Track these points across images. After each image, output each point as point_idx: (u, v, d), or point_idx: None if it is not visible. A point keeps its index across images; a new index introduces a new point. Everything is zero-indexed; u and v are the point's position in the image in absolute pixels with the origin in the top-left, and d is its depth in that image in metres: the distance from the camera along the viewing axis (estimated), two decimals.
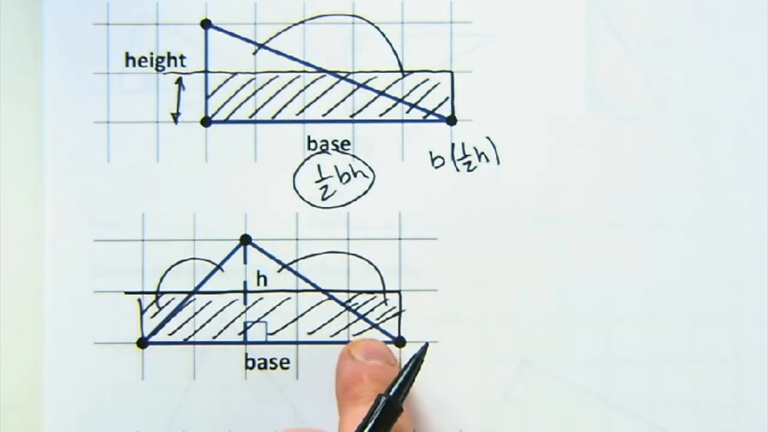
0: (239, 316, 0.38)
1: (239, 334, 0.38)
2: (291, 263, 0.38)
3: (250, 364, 0.38)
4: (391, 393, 0.33)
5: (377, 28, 0.38)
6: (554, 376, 0.38)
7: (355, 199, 0.38)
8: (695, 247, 0.38)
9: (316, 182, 0.38)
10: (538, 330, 0.38)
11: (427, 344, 0.35)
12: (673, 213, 0.38)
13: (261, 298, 0.38)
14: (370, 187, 0.38)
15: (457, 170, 0.38)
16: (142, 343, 0.38)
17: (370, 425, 0.33)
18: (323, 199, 0.38)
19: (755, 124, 0.38)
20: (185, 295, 0.38)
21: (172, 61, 0.38)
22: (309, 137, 0.38)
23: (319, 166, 0.38)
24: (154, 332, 0.38)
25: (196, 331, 0.38)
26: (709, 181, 0.38)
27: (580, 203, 0.38)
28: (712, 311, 0.38)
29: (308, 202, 0.38)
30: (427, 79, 0.38)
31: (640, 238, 0.38)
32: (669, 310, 0.38)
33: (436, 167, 0.38)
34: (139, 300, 0.38)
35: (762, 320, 0.38)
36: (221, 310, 0.38)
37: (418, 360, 0.34)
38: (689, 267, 0.38)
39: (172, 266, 0.38)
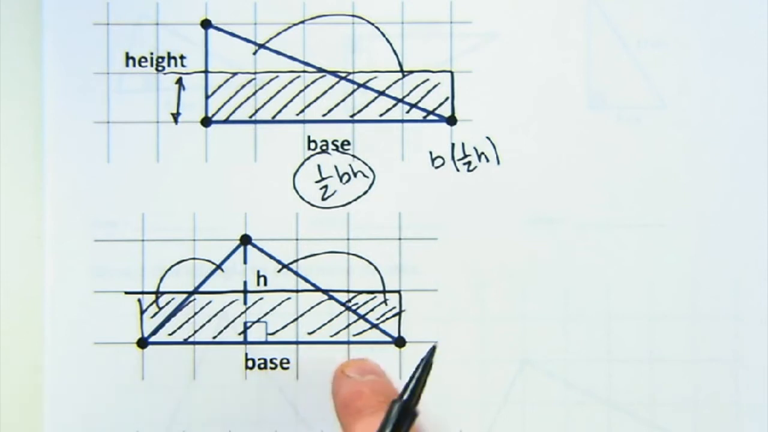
0: (239, 316, 0.38)
1: (239, 334, 0.38)
2: (291, 263, 0.38)
3: (250, 364, 0.38)
4: (405, 397, 0.33)
5: (377, 28, 0.38)
6: (554, 376, 0.38)
7: (355, 199, 0.38)
8: (695, 247, 0.38)
9: (316, 182, 0.38)
10: (538, 330, 0.38)
11: (434, 347, 0.34)
12: (673, 213, 0.38)
13: (261, 298, 0.38)
14: (370, 187, 0.38)
15: (457, 170, 0.38)
16: (142, 343, 0.38)
17: (390, 429, 0.32)
18: (323, 199, 0.38)
19: (755, 124, 0.38)
20: (185, 295, 0.38)
21: (172, 61, 0.38)
22: (309, 137, 0.38)
23: (319, 166, 0.38)
24: (154, 332, 0.38)
25: (196, 331, 0.38)
26: (709, 180, 0.38)
27: (580, 203, 0.38)
28: (712, 311, 0.38)
29: (308, 202, 0.38)
30: (427, 79, 0.38)
31: (640, 238, 0.38)
32: (669, 310, 0.38)
33: (436, 167, 0.38)
34: (139, 300, 0.38)
35: (762, 320, 0.38)
36: (221, 310, 0.38)
37: (427, 363, 0.34)
38: (689, 267, 0.38)
39: (172, 266, 0.38)
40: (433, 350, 0.34)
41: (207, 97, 0.38)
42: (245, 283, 0.38)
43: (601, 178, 0.38)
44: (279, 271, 0.38)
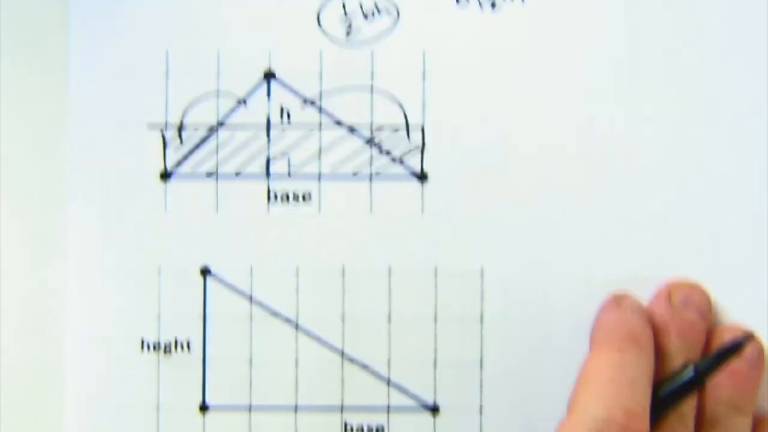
0: (262, 150, 0.38)
1: (262, 168, 0.38)
2: (314, 98, 0.38)
3: (272, 197, 0.38)
4: (701, 368, 0.33)
5: None
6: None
7: (379, 37, 0.38)
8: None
9: (341, 20, 0.38)
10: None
11: (749, 336, 0.35)
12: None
13: (284, 132, 0.38)
14: (394, 24, 0.38)
15: (481, 8, 0.38)
16: (165, 175, 0.38)
17: (671, 388, 0.33)
18: (347, 35, 0.38)
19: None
20: (208, 130, 0.38)
21: None
22: None
23: (344, 4, 0.38)
24: (177, 165, 0.38)
25: (218, 165, 0.38)
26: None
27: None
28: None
29: (332, 39, 0.38)
30: None
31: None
32: None
33: (460, 5, 0.38)
34: (162, 133, 0.38)
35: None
36: (244, 145, 0.38)
37: (737, 347, 0.34)
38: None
39: (195, 100, 0.38)
40: (747, 338, 0.35)
41: None
42: (269, 117, 0.38)
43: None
44: (302, 107, 0.38)
